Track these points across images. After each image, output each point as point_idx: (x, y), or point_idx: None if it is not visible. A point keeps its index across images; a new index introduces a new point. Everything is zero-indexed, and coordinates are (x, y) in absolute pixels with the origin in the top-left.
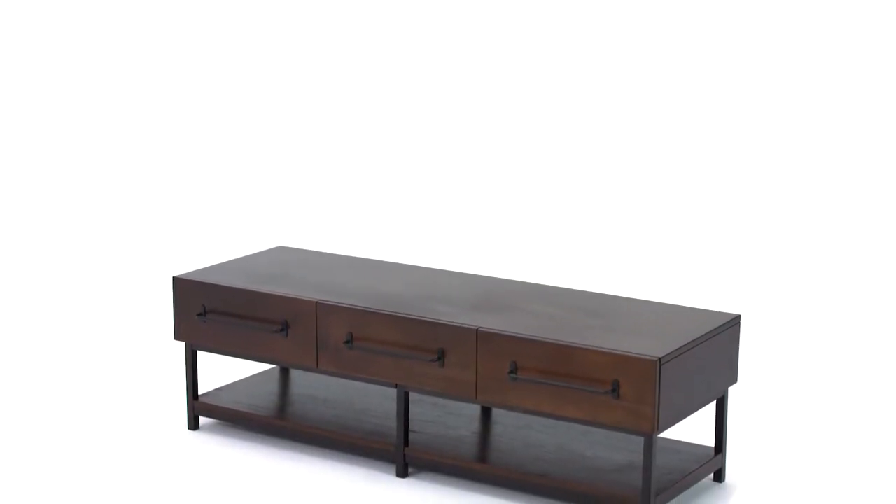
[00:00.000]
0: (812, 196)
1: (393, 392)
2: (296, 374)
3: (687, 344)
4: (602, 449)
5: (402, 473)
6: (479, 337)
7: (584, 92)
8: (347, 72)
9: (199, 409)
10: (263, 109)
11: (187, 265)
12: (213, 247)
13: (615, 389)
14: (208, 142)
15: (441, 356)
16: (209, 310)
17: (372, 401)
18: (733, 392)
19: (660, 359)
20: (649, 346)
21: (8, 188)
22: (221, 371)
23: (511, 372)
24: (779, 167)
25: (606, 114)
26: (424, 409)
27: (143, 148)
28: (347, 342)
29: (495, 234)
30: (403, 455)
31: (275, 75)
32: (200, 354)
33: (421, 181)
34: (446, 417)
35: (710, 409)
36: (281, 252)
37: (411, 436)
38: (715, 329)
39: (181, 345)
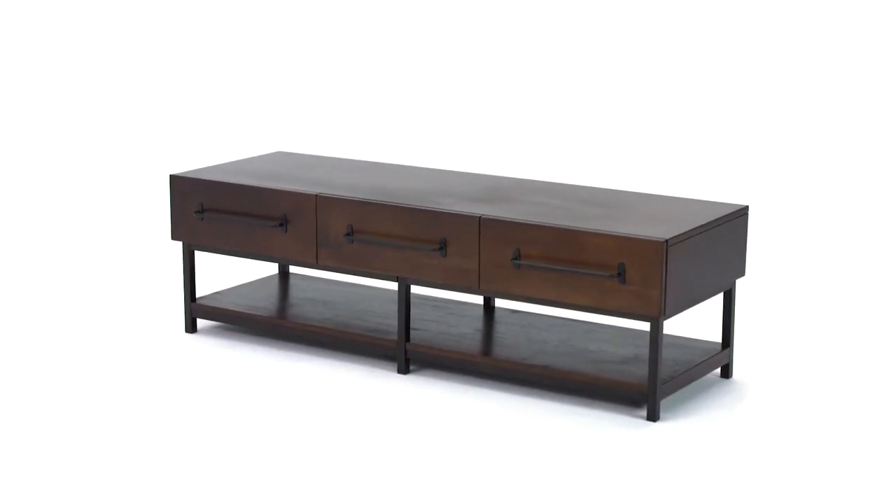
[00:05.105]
0: (823, 92)
1: (393, 295)
2: (295, 279)
3: (694, 229)
4: (607, 344)
5: (404, 370)
6: (482, 224)
7: None
8: None
9: (197, 311)
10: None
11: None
12: (211, 153)
13: (621, 273)
14: (208, 51)
15: (443, 246)
16: (207, 207)
17: (373, 303)
18: (742, 289)
19: (667, 241)
20: (656, 230)
21: (5, 89)
22: (218, 278)
23: (514, 259)
24: (788, 60)
25: (610, 11)
26: (426, 310)
27: (144, 55)
28: (348, 235)
29: (498, 136)
30: (405, 350)
31: None
32: (198, 260)
33: (423, 87)
34: (448, 318)
35: (718, 307)
36: (280, 155)
37: (413, 333)
38: (723, 217)
39: (178, 247)
